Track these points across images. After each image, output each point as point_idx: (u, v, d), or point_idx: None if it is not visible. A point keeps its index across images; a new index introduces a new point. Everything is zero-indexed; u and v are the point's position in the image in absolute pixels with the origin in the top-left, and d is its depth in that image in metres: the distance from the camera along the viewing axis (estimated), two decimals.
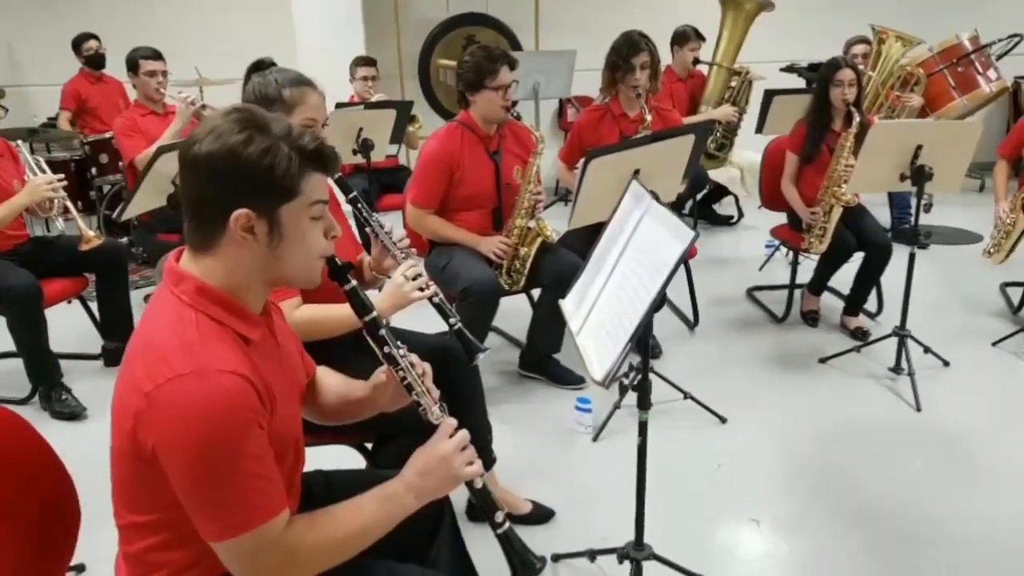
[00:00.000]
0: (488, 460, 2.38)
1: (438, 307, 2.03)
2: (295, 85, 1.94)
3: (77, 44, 5.51)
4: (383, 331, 1.38)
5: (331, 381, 1.59)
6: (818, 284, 3.78)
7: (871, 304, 3.81)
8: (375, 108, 4.23)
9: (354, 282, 1.39)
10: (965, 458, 2.71)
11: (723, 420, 2.95)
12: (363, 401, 1.52)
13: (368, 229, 2.08)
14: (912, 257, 3.10)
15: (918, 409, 3.00)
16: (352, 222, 2.46)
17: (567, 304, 1.91)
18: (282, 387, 1.30)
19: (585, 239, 3.32)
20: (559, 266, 3.02)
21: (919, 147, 2.98)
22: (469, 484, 1.36)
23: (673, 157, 2.80)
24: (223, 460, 1.12)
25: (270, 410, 1.22)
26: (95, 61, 5.52)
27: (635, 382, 1.84)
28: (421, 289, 1.97)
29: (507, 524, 1.38)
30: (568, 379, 3.24)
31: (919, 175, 2.98)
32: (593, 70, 5.41)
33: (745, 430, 2.91)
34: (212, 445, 1.11)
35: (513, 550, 1.38)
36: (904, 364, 3.19)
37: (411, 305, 2.00)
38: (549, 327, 3.18)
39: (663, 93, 5.03)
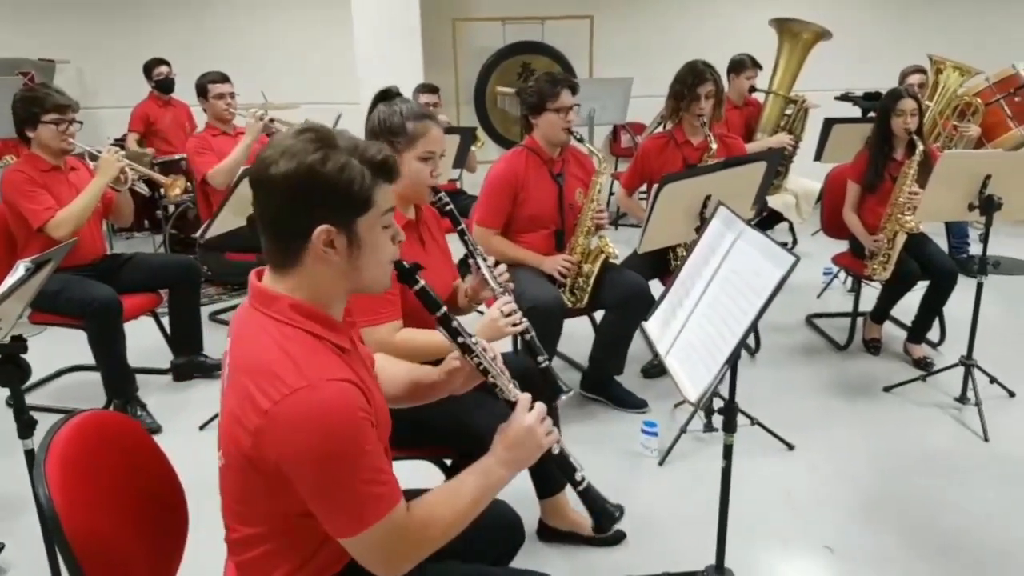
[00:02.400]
0: (560, 480, 2.41)
1: (527, 344, 2.08)
2: (419, 119, 2.04)
3: (148, 69, 5.73)
4: (455, 323, 1.45)
5: (396, 370, 1.66)
6: (881, 312, 3.76)
7: (933, 334, 3.78)
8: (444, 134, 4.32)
9: (423, 282, 1.44)
10: None
11: (790, 447, 2.94)
12: (436, 385, 1.60)
13: (471, 260, 2.14)
14: (980, 286, 3.07)
15: (986, 439, 2.97)
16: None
17: (651, 326, 1.94)
18: (377, 392, 1.37)
19: (647, 263, 3.38)
20: (623, 287, 3.06)
21: (988, 177, 2.98)
22: (549, 451, 1.43)
23: (744, 183, 2.84)
24: (347, 461, 1.19)
25: (376, 413, 1.28)
26: (165, 85, 5.73)
27: (718, 406, 1.86)
28: (515, 324, 2.02)
29: (586, 481, 1.47)
30: (631, 402, 3.26)
31: (988, 205, 2.98)
32: (644, 97, 5.54)
33: (812, 458, 2.89)
34: (335, 449, 1.17)
35: (594, 501, 1.48)
36: (970, 394, 3.16)
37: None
38: (613, 348, 3.22)
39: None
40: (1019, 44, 5.80)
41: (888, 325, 3.91)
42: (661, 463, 2.87)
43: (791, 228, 5.50)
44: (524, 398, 1.42)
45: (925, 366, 3.54)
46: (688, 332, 1.77)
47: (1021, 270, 4.92)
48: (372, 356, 1.64)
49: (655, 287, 3.53)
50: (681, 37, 6.22)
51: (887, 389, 3.37)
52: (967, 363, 3.18)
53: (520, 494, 2.43)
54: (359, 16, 5.54)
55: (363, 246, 1.27)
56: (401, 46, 5.60)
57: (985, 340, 3.84)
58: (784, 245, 5.52)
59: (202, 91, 4.51)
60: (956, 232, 4.94)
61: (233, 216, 3.27)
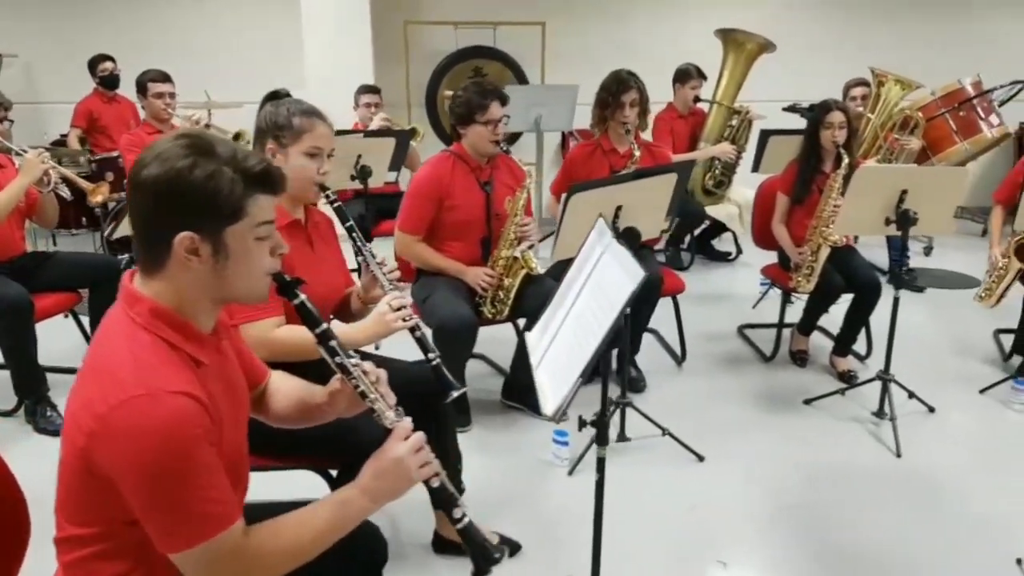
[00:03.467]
0: (456, 490, 2.38)
1: (419, 341, 2.07)
2: (305, 115, 2.04)
3: (92, 65, 5.64)
4: (334, 342, 1.40)
5: (291, 385, 1.61)
6: (806, 324, 3.77)
7: (861, 346, 3.80)
8: (375, 136, 4.30)
9: (303, 297, 1.40)
10: (943, 505, 2.68)
11: (701, 458, 2.93)
12: (323, 407, 1.55)
13: (359, 257, 2.12)
14: (896, 301, 3.08)
15: (898, 455, 2.97)
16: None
17: (531, 336, 1.92)
18: (229, 411, 1.33)
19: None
20: (542, 297, 3.01)
21: (904, 192, 2.99)
22: (427, 483, 1.38)
23: (656, 194, 2.83)
24: (178, 477, 1.15)
25: (219, 431, 1.25)
26: (109, 82, 5.65)
27: (594, 417, 1.84)
28: (405, 320, 2.00)
29: (467, 519, 1.41)
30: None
31: (903, 220, 2.99)
32: (588, 105, 5.53)
33: (722, 470, 2.89)
34: (166, 464, 1.14)
35: (473, 541, 1.42)
36: (887, 409, 3.16)
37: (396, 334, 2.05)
38: None
39: (663, 129, 5.12)
40: (965, 59, 5.84)
41: (818, 337, 3.92)
42: (571, 472, 2.85)
43: (735, 238, 5.51)
44: (401, 426, 1.38)
45: (849, 379, 3.55)
46: (556, 344, 1.74)
47: (963, 283, 4.96)
48: (266, 371, 1.62)
49: None
50: (632, 45, 6.24)
51: (807, 402, 3.38)
52: (884, 378, 3.19)
53: (415, 503, 2.41)
54: (308, 15, 5.51)
55: (231, 256, 1.24)
56: (351, 46, 5.57)
57: (911, 354, 3.89)
58: (728, 255, 5.61)
59: (141, 88, 4.46)
60: (895, 245, 4.96)
61: None
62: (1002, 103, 5.56)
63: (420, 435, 1.37)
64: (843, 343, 3.67)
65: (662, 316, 3.72)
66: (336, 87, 4.99)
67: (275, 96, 2.07)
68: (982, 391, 3.47)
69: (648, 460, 2.93)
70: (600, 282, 1.67)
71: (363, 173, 3.98)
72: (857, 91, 5.02)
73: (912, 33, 6.67)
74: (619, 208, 2.75)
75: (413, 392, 2.12)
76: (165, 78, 4.51)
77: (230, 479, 1.35)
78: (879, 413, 3.22)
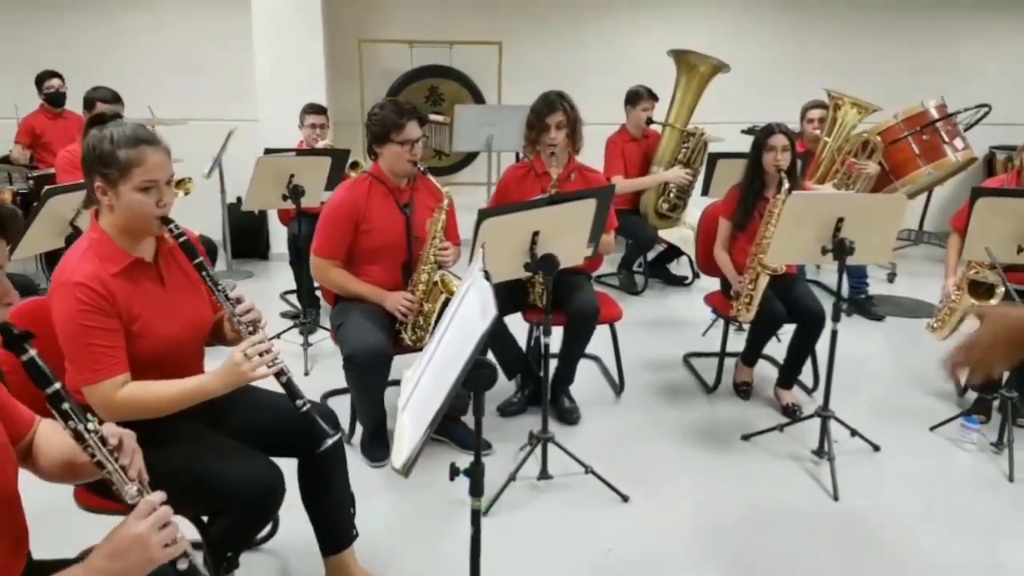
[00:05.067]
0: (346, 536, 2.21)
1: (286, 386, 1.89)
2: (132, 145, 1.77)
3: (40, 81, 5.50)
4: (66, 405, 1.24)
5: (61, 439, 1.42)
6: (749, 354, 3.62)
7: (808, 377, 3.66)
8: (308, 155, 4.17)
9: (32, 352, 1.23)
10: (883, 554, 2.51)
11: (625, 499, 2.77)
12: (88, 466, 1.36)
13: (214, 297, 1.93)
14: (834, 334, 2.94)
15: (835, 497, 2.81)
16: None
17: (405, 374, 1.77)
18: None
19: (504, 296, 3.20)
20: None
21: (840, 220, 2.86)
22: (173, 564, 1.24)
23: (574, 220, 2.69)
24: None
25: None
26: (55, 99, 5.50)
27: (468, 467, 1.68)
28: (268, 367, 1.82)
29: None
30: (473, 443, 3.06)
31: (839, 248, 2.86)
32: None
33: (647, 511, 2.72)
34: None
35: None
36: (827, 447, 3.01)
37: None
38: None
39: (614, 152, 5.01)
40: (930, 82, 5.77)
41: (767, 368, 3.78)
42: (485, 512, 2.68)
43: (691, 262, 5.38)
44: (146, 501, 1.23)
45: (792, 413, 3.40)
46: (420, 386, 1.59)
47: (926, 312, 4.82)
48: (31, 423, 1.46)
49: (514, 321, 3.40)
50: (587, 66, 6.16)
51: (745, 437, 3.22)
52: (823, 415, 3.03)
53: (304, 548, 2.24)
54: (261, 31, 5.38)
55: None
56: (304, 64, 5.45)
57: (861, 387, 3.76)
58: (683, 279, 5.45)
59: (88, 105, 4.37)
60: (854, 272, 4.85)
61: (52, 235, 3.08)
62: (968, 127, 5.49)
63: (164, 511, 1.23)
64: (787, 375, 3.53)
65: (607, 344, 3.58)
66: (287, 104, 4.87)
67: (100, 120, 1.81)
68: (932, 428, 3.32)
69: (568, 499, 2.77)
70: (463, 320, 1.52)
71: (295, 193, 3.85)
72: (814, 113, 4.93)
73: (877, 55, 6.60)
74: (536, 234, 2.61)
75: (303, 431, 1.98)
76: (114, 99, 4.41)
77: None
78: (819, 452, 3.06)
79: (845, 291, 4.91)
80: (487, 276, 1.55)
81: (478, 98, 6.07)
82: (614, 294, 5.23)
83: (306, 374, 3.81)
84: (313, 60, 5.46)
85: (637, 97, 5.01)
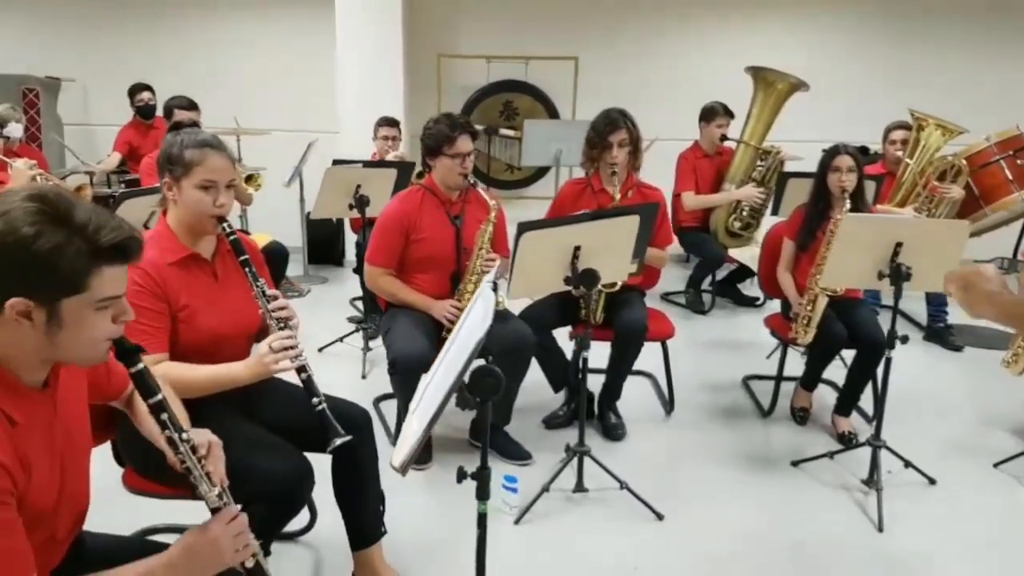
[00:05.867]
0: (374, 533, 2.30)
1: (305, 383, 2.00)
2: (198, 147, 1.97)
3: (132, 93, 5.82)
4: (165, 416, 1.37)
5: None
6: (808, 378, 3.52)
7: (871, 405, 3.52)
8: (375, 167, 4.32)
9: (142, 365, 1.36)
10: None
11: (660, 517, 2.75)
12: None
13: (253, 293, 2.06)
14: (888, 361, 2.84)
15: (880, 530, 2.70)
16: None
17: (423, 379, 1.83)
18: (54, 461, 1.32)
19: (554, 309, 3.25)
20: (507, 336, 2.94)
21: (899, 244, 2.77)
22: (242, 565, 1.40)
23: (617, 236, 2.70)
24: None
25: (26, 486, 1.24)
26: (145, 112, 5.81)
27: (475, 470, 1.73)
28: (291, 360, 1.93)
29: None
30: (515, 454, 3.11)
31: (896, 274, 2.76)
32: None
33: (681, 531, 2.69)
34: None
35: None
36: (876, 477, 2.90)
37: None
38: (499, 398, 3.08)
39: (686, 168, 4.97)
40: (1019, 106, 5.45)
41: (828, 393, 3.66)
42: (517, 521, 2.72)
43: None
44: (227, 511, 1.39)
45: (848, 441, 3.29)
46: (430, 390, 1.65)
47: (1003, 345, 4.55)
48: (126, 381, 1.62)
49: (562, 335, 3.43)
50: (664, 81, 6.15)
51: (795, 464, 3.14)
52: (874, 444, 2.93)
53: (336, 543, 2.34)
54: (344, 46, 5.60)
55: (64, 326, 1.22)
56: (384, 78, 5.64)
57: (933, 419, 3.61)
58: (755, 300, 5.33)
59: (168, 113, 4.64)
60: (933, 300, 4.64)
61: None
62: None
63: (242, 519, 1.38)
64: (844, 402, 3.41)
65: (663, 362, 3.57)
66: (367, 117, 5.06)
67: (178, 126, 2.06)
68: (996, 465, 3.15)
69: (603, 514, 2.77)
70: (467, 328, 1.58)
71: (360, 202, 4.01)
72: (897, 134, 4.75)
73: (969, 75, 6.28)
74: (577, 248, 2.64)
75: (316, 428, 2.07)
76: (191, 106, 4.67)
77: (61, 522, 1.37)
78: (869, 481, 2.95)
79: (924, 319, 4.73)
80: (495, 287, 1.60)
81: (552, 113, 6.13)
82: (679, 312, 5.20)
83: (363, 377, 3.94)
84: (393, 74, 5.65)
85: (712, 113, 4.96)
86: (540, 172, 6.26)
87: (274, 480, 1.95)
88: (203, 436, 1.49)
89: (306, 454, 2.04)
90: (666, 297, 5.48)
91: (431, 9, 6.15)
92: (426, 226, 3.04)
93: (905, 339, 2.81)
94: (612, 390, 3.39)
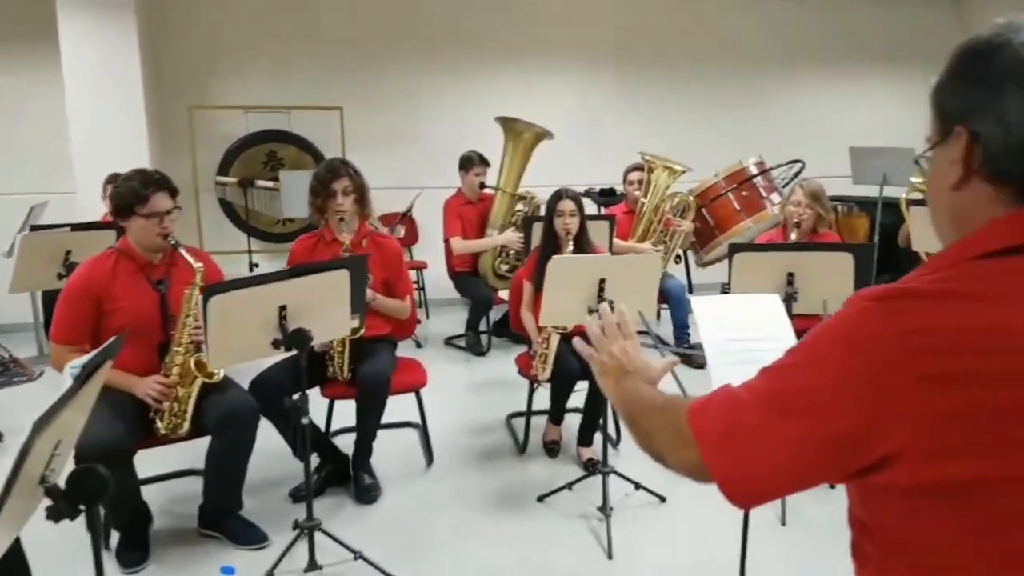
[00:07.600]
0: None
1: None
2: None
3: None
4: None
5: None
6: (554, 412, 3.67)
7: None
8: (85, 229, 4.00)
9: None
10: None
11: None
12: None
13: None
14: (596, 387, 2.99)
15: (610, 556, 2.82)
16: None
17: None
18: None
19: (284, 372, 3.07)
20: (225, 407, 2.79)
21: (603, 280, 2.96)
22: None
23: (329, 292, 2.65)
24: None
25: None
26: None
27: None
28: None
29: None
30: (249, 538, 2.89)
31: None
32: (394, 188, 5.45)
33: None
34: None
35: None
36: (605, 503, 3.03)
37: None
38: (224, 479, 2.88)
39: (452, 215, 5.09)
40: (751, 142, 6.11)
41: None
42: None
43: None
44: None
45: (591, 469, 3.43)
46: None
47: None
48: None
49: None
50: (424, 130, 6.30)
51: (540, 498, 3.23)
52: (603, 471, 3.07)
53: None
54: (75, 106, 5.21)
55: None
56: (125, 133, 5.27)
57: None
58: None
59: None
60: (677, 323, 5.01)
61: None
62: (786, 183, 5.81)
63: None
64: (584, 431, 3.58)
65: (431, 411, 3.60)
66: (108, 174, 4.71)
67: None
68: None
69: None
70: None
71: (71, 270, 3.73)
72: (634, 176, 5.15)
73: (700, 120, 6.96)
74: (283, 308, 2.56)
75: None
76: None
77: None
78: (603, 508, 3.08)
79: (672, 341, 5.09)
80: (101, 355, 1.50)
81: (320, 162, 6.06)
82: (460, 355, 5.28)
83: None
84: (136, 128, 5.32)
85: (469, 162, 5.15)
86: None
87: None
88: None
89: None
90: (449, 341, 5.53)
91: (183, 60, 5.92)
92: (122, 294, 2.78)
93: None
94: (363, 448, 3.30)
